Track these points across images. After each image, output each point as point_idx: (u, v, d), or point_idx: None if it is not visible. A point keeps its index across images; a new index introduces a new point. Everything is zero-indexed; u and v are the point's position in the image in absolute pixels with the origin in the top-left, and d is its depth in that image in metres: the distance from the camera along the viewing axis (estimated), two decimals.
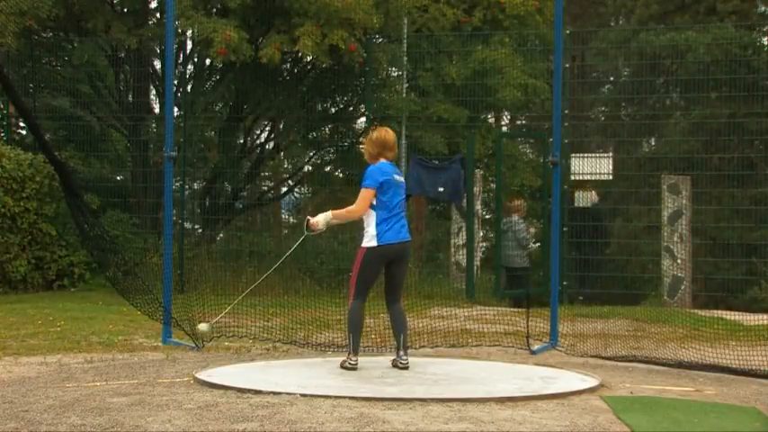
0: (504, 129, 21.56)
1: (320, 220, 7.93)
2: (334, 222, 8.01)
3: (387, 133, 7.95)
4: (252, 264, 16.01)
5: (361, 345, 7.99)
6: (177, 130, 15.06)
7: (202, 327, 8.91)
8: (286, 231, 21.22)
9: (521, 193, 15.51)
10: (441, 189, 14.46)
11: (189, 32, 15.98)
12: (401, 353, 7.80)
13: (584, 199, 15.43)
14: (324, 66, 15.93)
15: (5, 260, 14.77)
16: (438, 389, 6.96)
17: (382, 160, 7.89)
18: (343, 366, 7.71)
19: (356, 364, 7.70)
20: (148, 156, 16.83)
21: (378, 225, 7.73)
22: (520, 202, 15.38)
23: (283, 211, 22.44)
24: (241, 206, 19.01)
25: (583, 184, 15.22)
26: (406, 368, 7.72)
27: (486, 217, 18.78)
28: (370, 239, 7.76)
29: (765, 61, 16.47)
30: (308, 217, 7.98)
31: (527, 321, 9.38)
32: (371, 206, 7.78)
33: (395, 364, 7.79)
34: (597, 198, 15.55)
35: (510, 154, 17.28)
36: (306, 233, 8.02)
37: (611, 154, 16.89)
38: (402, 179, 8.02)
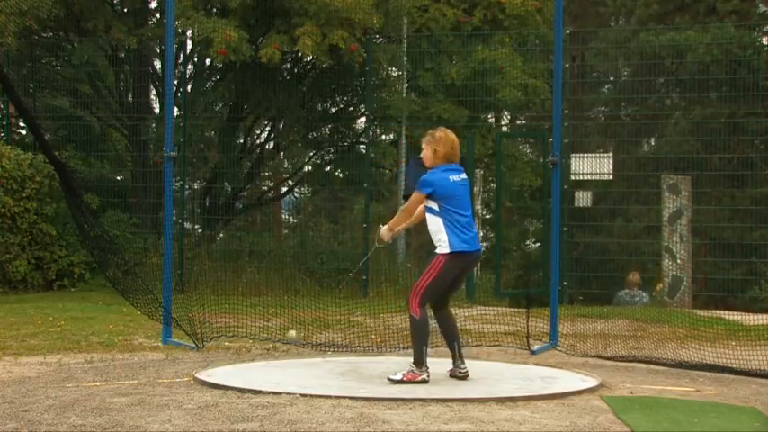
0: (504, 129, 21.56)
1: (385, 235, 7.63)
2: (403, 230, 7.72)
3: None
4: (252, 264, 16.02)
5: (361, 346, 7.97)
6: (177, 130, 15.06)
7: (292, 333, 9.24)
8: (286, 231, 21.23)
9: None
10: None
11: (189, 32, 15.99)
12: (458, 361, 7.52)
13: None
14: (324, 66, 15.93)
15: (5, 260, 14.77)
16: (438, 389, 6.96)
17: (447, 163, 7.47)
18: (415, 381, 7.19)
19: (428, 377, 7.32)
20: (148, 156, 16.84)
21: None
22: (637, 276, 15.35)
23: (283, 211, 22.45)
24: (241, 206, 19.01)
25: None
26: (466, 377, 7.44)
27: (487, 217, 18.80)
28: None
29: (765, 61, 16.45)
30: (381, 227, 7.64)
31: (527, 321, 9.38)
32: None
33: (453, 374, 7.50)
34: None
35: (510, 154, 17.28)
36: (377, 245, 7.78)
37: (611, 154, 16.89)
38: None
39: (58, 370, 8.02)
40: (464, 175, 7.44)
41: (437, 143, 7.38)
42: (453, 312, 7.75)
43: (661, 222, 15.12)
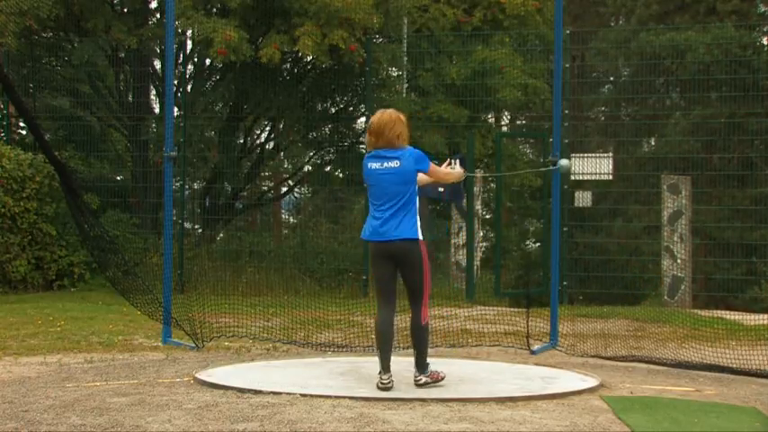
0: (504, 129, 21.56)
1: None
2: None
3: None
4: (252, 264, 16.02)
5: (361, 346, 7.93)
6: (177, 130, 15.06)
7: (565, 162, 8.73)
8: (286, 231, 21.24)
9: None
10: (441, 189, 14.47)
11: (189, 32, 16.00)
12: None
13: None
14: (324, 66, 15.93)
15: (5, 260, 14.77)
16: (438, 389, 6.96)
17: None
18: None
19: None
20: (148, 156, 16.85)
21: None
22: None
23: (283, 211, 22.45)
24: (241, 206, 19.02)
25: None
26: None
27: (487, 217, 18.79)
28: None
29: (765, 61, 16.46)
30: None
31: (527, 321, 9.39)
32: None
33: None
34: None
35: (510, 154, 17.29)
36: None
37: (611, 154, 16.89)
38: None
39: (57, 370, 8.02)
40: (390, 163, 7.01)
41: None
42: (454, 312, 7.72)
43: (661, 222, 15.12)
